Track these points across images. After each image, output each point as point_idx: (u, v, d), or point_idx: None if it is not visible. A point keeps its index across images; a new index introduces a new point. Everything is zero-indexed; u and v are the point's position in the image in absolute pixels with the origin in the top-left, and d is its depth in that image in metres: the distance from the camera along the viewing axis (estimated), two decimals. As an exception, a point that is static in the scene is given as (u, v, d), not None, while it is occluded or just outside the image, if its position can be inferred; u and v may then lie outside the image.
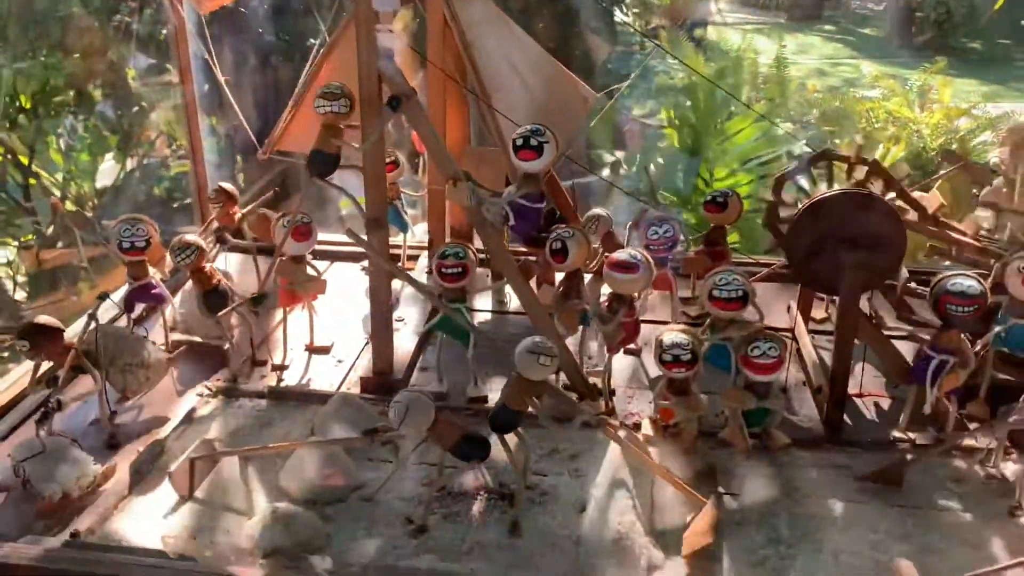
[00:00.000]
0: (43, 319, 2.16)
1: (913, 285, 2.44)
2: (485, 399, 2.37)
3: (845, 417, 2.27)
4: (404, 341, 2.57)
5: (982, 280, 2.11)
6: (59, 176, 5.26)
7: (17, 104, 4.92)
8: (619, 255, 2.23)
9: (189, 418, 2.29)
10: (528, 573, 1.79)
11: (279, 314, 2.63)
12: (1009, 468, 2.11)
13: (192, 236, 2.44)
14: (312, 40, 2.62)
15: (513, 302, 2.91)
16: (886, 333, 2.34)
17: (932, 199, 2.49)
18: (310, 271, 2.52)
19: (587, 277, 2.49)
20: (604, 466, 2.06)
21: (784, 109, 6.62)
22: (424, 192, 3.01)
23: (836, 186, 2.38)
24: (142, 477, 2.07)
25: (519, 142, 2.24)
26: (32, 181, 5.00)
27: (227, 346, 2.49)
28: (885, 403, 2.41)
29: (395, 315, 2.57)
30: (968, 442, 2.17)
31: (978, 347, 2.22)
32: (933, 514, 1.98)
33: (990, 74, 10.64)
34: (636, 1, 9.98)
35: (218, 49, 2.97)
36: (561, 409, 1.98)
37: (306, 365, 2.57)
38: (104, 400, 2.23)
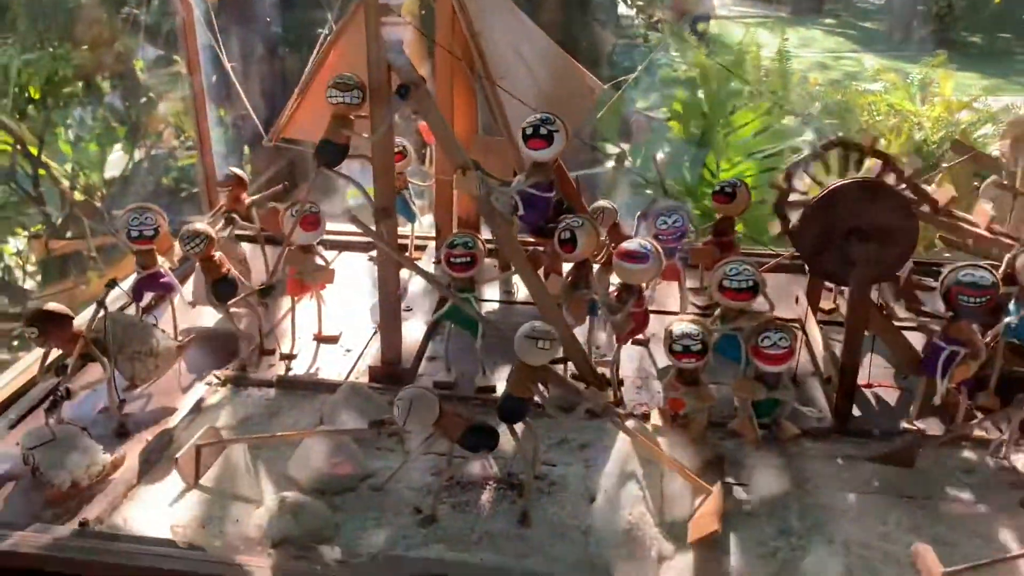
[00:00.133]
0: (52, 306, 2.16)
1: (917, 277, 2.43)
2: (493, 389, 2.36)
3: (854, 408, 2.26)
4: (412, 331, 2.57)
5: (993, 271, 2.11)
6: (68, 167, 5.27)
7: (26, 95, 4.93)
8: (629, 245, 2.22)
9: (198, 407, 2.29)
10: (538, 563, 1.79)
11: (287, 303, 2.63)
12: (1020, 459, 2.11)
13: (201, 225, 2.44)
14: (320, 30, 2.61)
15: (520, 292, 2.91)
16: (896, 324, 2.33)
17: (944, 192, 2.47)
18: (319, 261, 2.52)
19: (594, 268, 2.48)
20: (614, 456, 2.05)
21: (786, 102, 6.60)
22: (431, 182, 3.00)
23: (849, 175, 2.37)
24: (151, 466, 2.07)
25: (529, 131, 2.23)
26: (42, 171, 5.01)
27: (238, 334, 2.49)
28: (894, 394, 2.41)
29: (403, 305, 2.56)
30: (978, 433, 2.17)
31: (988, 338, 2.21)
32: (944, 505, 1.98)
33: (991, 68, 10.62)
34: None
35: (226, 39, 2.97)
36: (566, 397, 1.98)
37: (314, 354, 2.57)
38: (113, 388, 2.23)
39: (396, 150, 2.65)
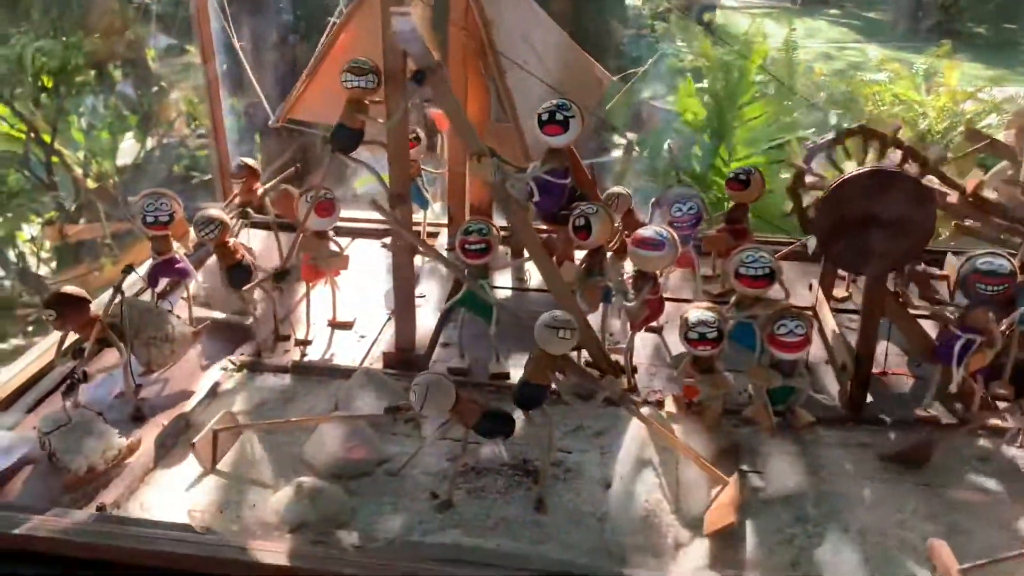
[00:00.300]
0: (70, 289, 2.16)
1: (923, 266, 2.43)
2: (507, 375, 2.36)
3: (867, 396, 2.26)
4: (426, 317, 2.57)
5: (1011, 259, 2.10)
6: (80, 154, 5.29)
7: (39, 83, 4.94)
8: (645, 232, 2.22)
9: (214, 392, 2.30)
10: (554, 550, 1.79)
11: (302, 289, 2.63)
12: (1036, 448, 2.11)
13: (216, 211, 2.44)
14: (331, 18, 2.60)
15: (533, 280, 2.91)
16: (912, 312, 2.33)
17: (971, 181, 2.44)
18: (333, 247, 2.52)
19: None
20: (629, 443, 2.05)
21: (794, 92, 6.59)
22: (444, 170, 3.00)
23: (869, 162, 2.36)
24: (168, 451, 2.07)
25: (545, 117, 2.22)
26: (55, 159, 5.02)
27: (250, 321, 2.49)
28: (908, 382, 2.40)
29: (416, 291, 2.57)
30: (994, 422, 2.16)
31: (1003, 326, 2.20)
32: (960, 494, 1.97)
33: (995, 58, 10.58)
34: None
35: (238, 27, 2.96)
36: (583, 385, 1.98)
37: (329, 340, 2.57)
38: (129, 373, 2.24)
39: (410, 137, 2.64)
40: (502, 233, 2.44)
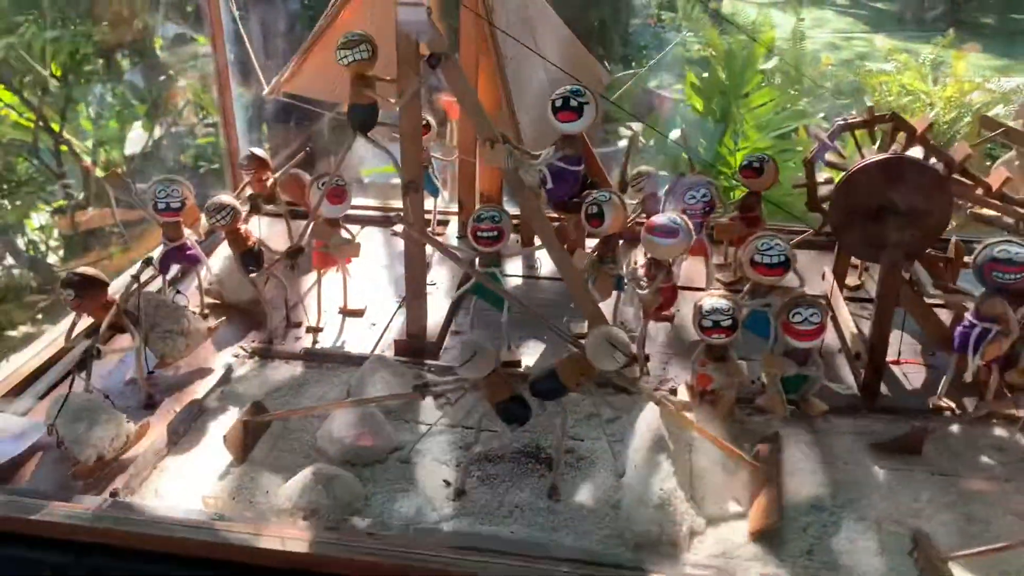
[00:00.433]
0: (89, 270, 2.16)
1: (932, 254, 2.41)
2: (518, 363, 2.35)
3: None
4: (437, 304, 2.56)
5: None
6: (89, 143, 5.28)
7: (48, 72, 4.93)
8: (659, 219, 2.21)
9: (226, 378, 2.29)
10: (567, 537, 1.79)
11: (313, 277, 2.63)
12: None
13: (227, 197, 2.43)
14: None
15: (544, 268, 2.90)
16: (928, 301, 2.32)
17: (998, 174, 2.42)
18: (344, 234, 2.51)
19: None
20: (643, 431, 2.04)
21: (802, 81, 6.57)
22: (455, 157, 2.99)
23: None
24: (180, 437, 2.07)
25: (559, 103, 2.21)
26: (63, 148, 5.01)
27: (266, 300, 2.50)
28: (922, 371, 2.39)
29: (427, 278, 2.56)
30: (1009, 411, 2.15)
31: (1019, 315, 2.19)
32: (976, 483, 1.96)
33: (1003, 48, 10.51)
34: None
35: (247, 16, 2.94)
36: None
37: (340, 328, 2.57)
38: (142, 358, 2.23)
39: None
40: (512, 220, 2.43)
